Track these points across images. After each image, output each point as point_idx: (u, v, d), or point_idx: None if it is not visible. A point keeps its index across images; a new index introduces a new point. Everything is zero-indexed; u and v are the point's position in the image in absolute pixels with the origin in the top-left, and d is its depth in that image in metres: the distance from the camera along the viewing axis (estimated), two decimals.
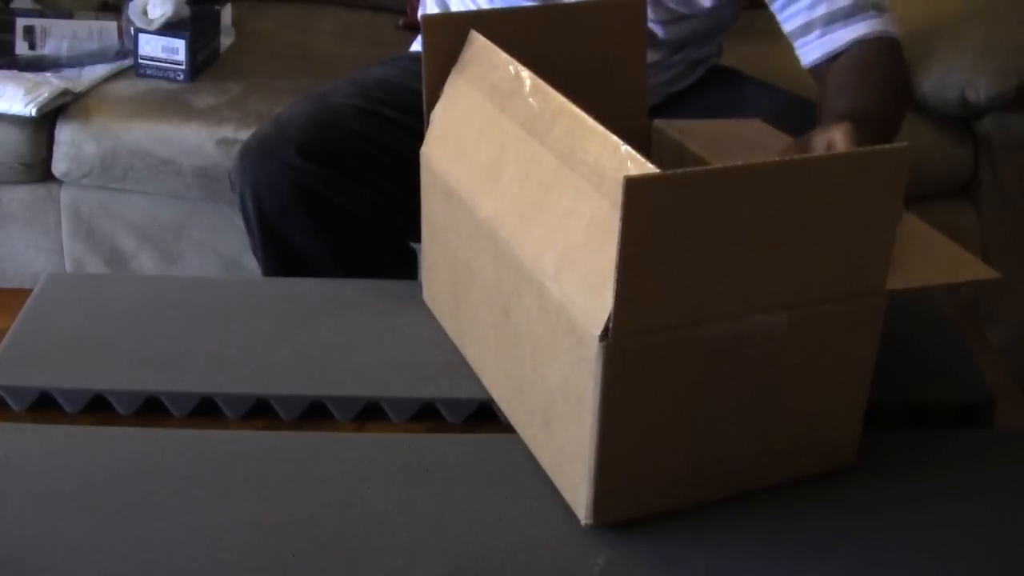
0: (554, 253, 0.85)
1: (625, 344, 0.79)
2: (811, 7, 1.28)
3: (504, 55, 0.98)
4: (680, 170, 0.76)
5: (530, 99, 0.93)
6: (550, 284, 0.85)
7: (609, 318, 0.78)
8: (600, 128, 0.84)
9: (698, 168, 0.78)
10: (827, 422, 0.90)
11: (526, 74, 0.95)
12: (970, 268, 0.96)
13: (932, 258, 0.96)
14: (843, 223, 0.82)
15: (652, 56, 1.37)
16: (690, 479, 0.87)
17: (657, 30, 1.35)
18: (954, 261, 0.97)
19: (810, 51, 1.30)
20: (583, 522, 0.86)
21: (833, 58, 1.29)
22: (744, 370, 0.84)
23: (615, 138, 0.82)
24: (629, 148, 0.80)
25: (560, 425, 0.86)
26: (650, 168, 0.77)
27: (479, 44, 1.02)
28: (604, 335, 0.78)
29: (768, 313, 0.83)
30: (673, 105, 1.44)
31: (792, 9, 1.30)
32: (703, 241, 0.78)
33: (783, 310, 0.83)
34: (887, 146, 0.82)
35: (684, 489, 0.88)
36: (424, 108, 1.06)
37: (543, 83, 0.92)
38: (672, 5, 1.32)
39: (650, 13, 1.31)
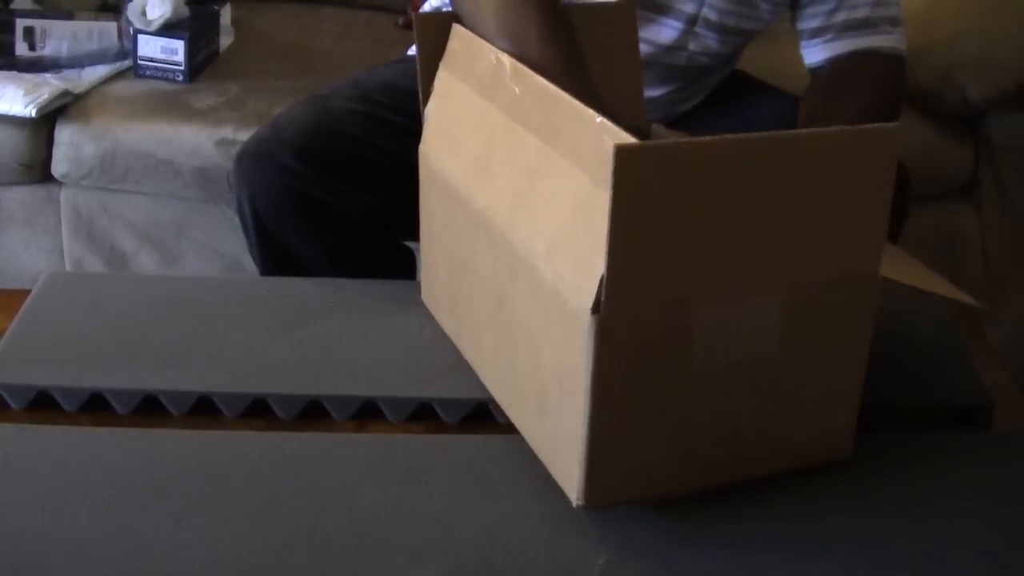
0: (544, 236, 0.85)
1: (616, 317, 0.79)
2: (831, 13, 1.29)
3: (485, 44, 0.98)
4: (671, 140, 0.76)
5: (511, 84, 0.93)
6: (542, 266, 0.84)
7: (600, 290, 0.77)
8: (576, 103, 0.84)
9: (690, 139, 0.77)
10: (821, 407, 0.90)
11: (506, 59, 0.94)
12: (957, 294, 0.97)
13: (921, 279, 0.97)
14: (835, 203, 0.82)
15: (683, 83, 1.37)
16: (683, 463, 0.87)
17: (713, 47, 1.33)
18: (942, 287, 0.98)
19: (817, 52, 1.31)
20: (574, 503, 0.85)
21: (836, 61, 1.29)
22: (736, 352, 0.84)
23: (591, 111, 0.82)
24: (604, 120, 0.80)
25: (553, 409, 0.86)
26: (625, 137, 0.77)
27: (462, 36, 1.02)
28: (596, 308, 0.78)
29: (761, 293, 0.83)
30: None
31: (812, 10, 1.30)
32: (694, 214, 0.78)
33: (775, 291, 0.83)
34: (877, 125, 0.82)
35: (677, 473, 0.87)
36: (420, 107, 1.06)
37: (523, 67, 0.92)
38: (733, 23, 1.31)
39: (711, 40, 1.30)
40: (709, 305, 0.81)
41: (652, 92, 1.30)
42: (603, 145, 0.78)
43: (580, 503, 0.85)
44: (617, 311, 0.78)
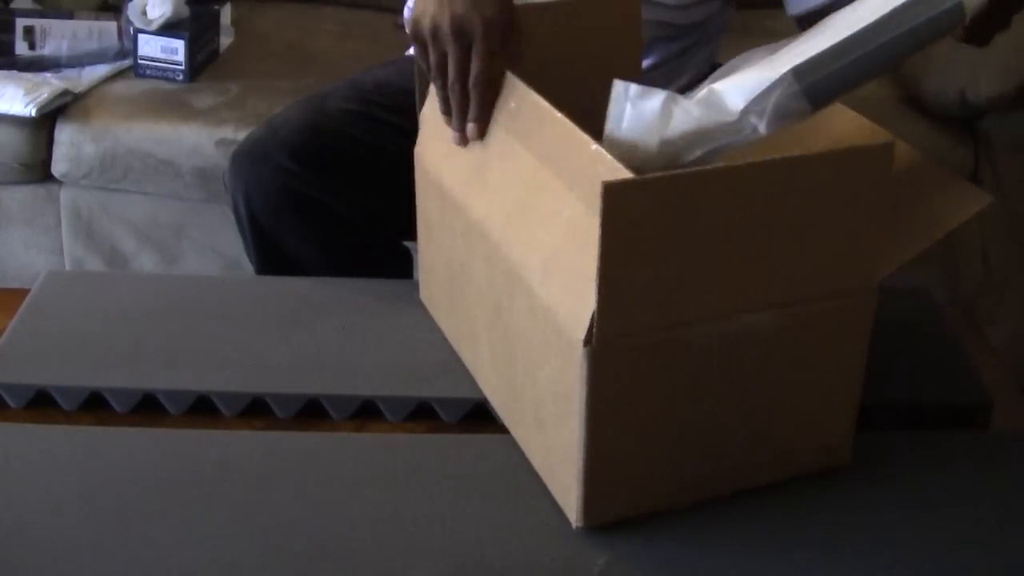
0: (539, 255, 0.85)
1: (610, 347, 0.79)
2: None
3: None
4: (659, 174, 0.76)
5: (510, 100, 0.93)
6: (537, 287, 0.84)
7: (592, 322, 0.77)
8: (573, 128, 0.83)
9: (677, 171, 0.77)
10: (819, 421, 0.90)
11: (508, 74, 0.94)
12: (964, 201, 0.93)
13: (922, 200, 0.93)
14: (830, 222, 0.81)
15: (665, 54, 1.36)
16: (681, 480, 0.87)
17: (674, 15, 1.32)
18: (945, 197, 0.94)
19: (801, 1, 1.30)
20: (574, 524, 0.86)
21: (821, 10, 1.28)
22: (732, 370, 0.84)
23: (586, 137, 0.81)
24: (599, 148, 0.80)
25: (550, 426, 0.86)
26: (619, 168, 0.77)
27: None
28: (588, 339, 0.78)
29: (755, 313, 0.82)
30: None
31: None
32: (686, 242, 0.78)
33: (770, 309, 0.83)
34: (870, 144, 0.81)
35: (675, 490, 0.87)
36: (416, 108, 1.06)
37: (522, 83, 0.92)
38: None
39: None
40: (703, 326, 0.81)
41: None
42: (597, 174, 0.78)
43: (579, 524, 0.85)
44: (610, 342, 0.78)
